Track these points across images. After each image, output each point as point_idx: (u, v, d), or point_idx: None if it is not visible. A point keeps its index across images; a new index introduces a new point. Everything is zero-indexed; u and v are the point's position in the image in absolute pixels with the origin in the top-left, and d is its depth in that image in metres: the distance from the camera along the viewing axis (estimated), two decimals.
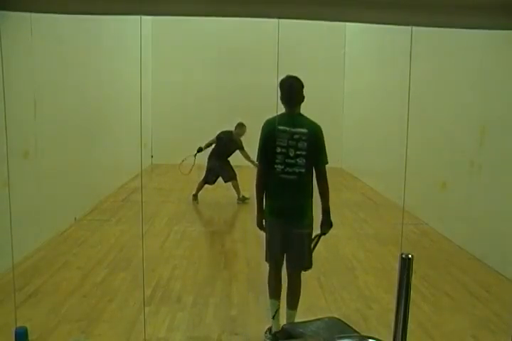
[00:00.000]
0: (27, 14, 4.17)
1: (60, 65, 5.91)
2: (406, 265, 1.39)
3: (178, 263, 4.98)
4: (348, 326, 2.30)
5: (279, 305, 3.39)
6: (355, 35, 11.03)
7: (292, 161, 3.17)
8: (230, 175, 7.83)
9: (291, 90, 3.20)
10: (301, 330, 2.24)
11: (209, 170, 7.95)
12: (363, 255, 5.39)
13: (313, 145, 3.19)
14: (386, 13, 1.61)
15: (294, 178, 3.19)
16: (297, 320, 3.58)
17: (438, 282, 4.57)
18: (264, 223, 3.37)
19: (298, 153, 3.17)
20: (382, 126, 8.92)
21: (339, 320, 2.41)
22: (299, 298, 3.42)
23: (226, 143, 7.85)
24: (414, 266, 1.39)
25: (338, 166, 11.47)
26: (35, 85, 5.14)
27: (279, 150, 3.17)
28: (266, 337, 3.46)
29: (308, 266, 3.44)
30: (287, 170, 3.19)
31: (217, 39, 11.50)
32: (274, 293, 3.41)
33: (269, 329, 3.47)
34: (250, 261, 5.06)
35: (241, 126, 7.84)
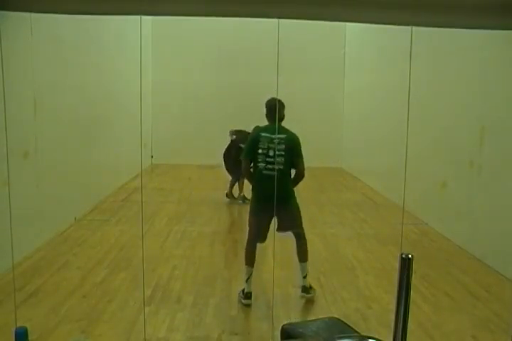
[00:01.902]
0: (27, 14, 4.17)
1: (60, 65, 5.91)
2: (406, 265, 1.39)
3: (178, 263, 4.98)
4: (348, 326, 2.30)
5: (252, 271, 4.13)
6: (355, 35, 11.03)
7: (271, 160, 3.95)
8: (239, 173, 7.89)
9: (274, 110, 3.93)
10: (301, 330, 2.23)
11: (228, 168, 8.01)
12: (363, 255, 5.39)
13: (290, 148, 3.97)
14: (386, 13, 1.60)
15: (274, 174, 3.89)
16: (297, 320, 3.59)
17: (438, 282, 4.57)
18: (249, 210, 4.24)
19: (278, 153, 3.93)
20: (382, 126, 8.92)
21: (339, 320, 2.41)
22: (307, 252, 4.18)
23: (239, 143, 7.92)
24: (414, 266, 1.39)
25: (338, 166, 11.48)
26: (35, 85, 5.14)
27: (260, 151, 3.98)
28: (239, 296, 4.11)
29: (302, 230, 4.21)
30: (268, 167, 3.96)
31: (217, 39, 11.50)
32: (250, 260, 4.16)
33: (243, 290, 4.10)
34: None
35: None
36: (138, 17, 1.69)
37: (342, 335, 2.07)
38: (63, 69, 6.01)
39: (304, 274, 4.15)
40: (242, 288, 4.13)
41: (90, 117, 7.05)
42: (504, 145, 4.89)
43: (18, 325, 2.20)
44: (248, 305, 4.02)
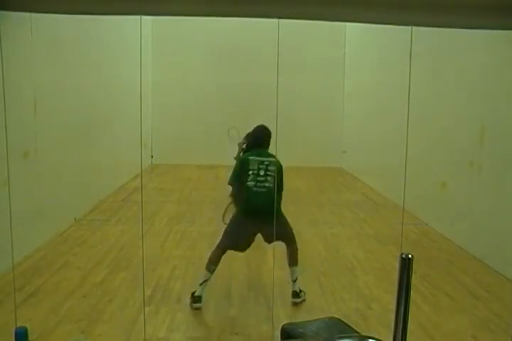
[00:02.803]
0: (27, 14, 4.17)
1: (60, 65, 5.91)
2: (406, 265, 1.39)
3: (178, 263, 4.98)
4: (348, 326, 2.30)
5: (210, 277, 4.10)
6: (355, 35, 11.04)
7: (262, 179, 4.10)
8: None
9: (261, 137, 4.26)
10: (301, 330, 2.23)
11: None
12: (363, 255, 5.39)
13: (278, 172, 4.13)
14: (386, 13, 1.60)
15: (263, 190, 4.07)
16: (297, 320, 3.59)
17: (438, 282, 4.57)
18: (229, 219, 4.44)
19: (267, 173, 4.11)
20: (382, 126, 8.92)
21: (339, 320, 2.41)
22: (297, 256, 4.17)
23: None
24: (414, 266, 1.39)
25: (338, 166, 11.48)
26: (35, 85, 5.14)
27: (250, 172, 4.12)
28: (190, 300, 4.01)
29: (293, 238, 4.22)
30: (258, 185, 4.10)
31: (218, 39, 11.50)
32: (211, 267, 4.12)
33: (192, 293, 4.02)
34: (250, 262, 5.06)
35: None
36: (138, 17, 1.69)
37: (342, 335, 2.07)
38: (63, 69, 6.00)
39: (294, 278, 4.13)
40: (193, 291, 4.06)
41: (90, 117, 7.06)
42: (504, 145, 4.89)
43: (18, 325, 2.20)
44: (198, 309, 3.93)
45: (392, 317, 1.42)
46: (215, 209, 7.56)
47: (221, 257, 4.18)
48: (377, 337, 1.64)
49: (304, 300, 4.11)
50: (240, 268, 4.94)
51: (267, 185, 4.10)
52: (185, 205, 7.73)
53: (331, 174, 10.75)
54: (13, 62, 4.60)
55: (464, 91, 5.81)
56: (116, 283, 4.42)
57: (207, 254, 5.46)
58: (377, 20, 1.76)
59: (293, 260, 4.18)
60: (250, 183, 4.12)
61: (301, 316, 3.86)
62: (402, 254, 1.40)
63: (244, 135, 8.32)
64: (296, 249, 4.21)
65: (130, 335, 3.47)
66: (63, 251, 5.27)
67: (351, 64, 11.55)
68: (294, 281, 4.12)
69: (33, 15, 4.25)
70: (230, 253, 5.58)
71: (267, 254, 5.20)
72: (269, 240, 4.11)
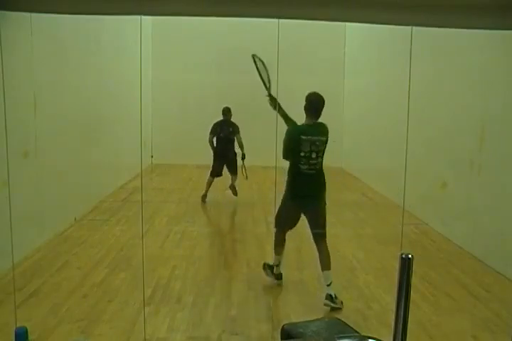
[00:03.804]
0: (27, 14, 4.17)
1: (60, 65, 5.91)
2: (406, 265, 1.39)
3: (178, 263, 4.98)
4: (348, 326, 2.30)
5: (280, 259, 4.42)
6: (355, 35, 11.03)
7: (314, 161, 4.10)
8: (235, 168, 7.82)
9: (318, 104, 4.10)
10: (301, 330, 2.23)
11: (215, 161, 7.88)
12: (363, 255, 5.39)
13: (325, 147, 4.14)
14: (386, 13, 1.61)
15: (313, 173, 4.12)
16: (297, 320, 3.59)
17: (438, 282, 4.57)
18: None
19: (319, 155, 4.10)
20: (382, 125, 8.91)
21: (339, 320, 2.41)
22: (329, 258, 4.16)
23: (225, 130, 7.80)
24: (414, 266, 1.39)
25: (338, 166, 11.47)
26: (35, 85, 5.14)
27: (302, 154, 4.05)
28: (267, 271, 4.48)
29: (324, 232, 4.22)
30: (310, 168, 4.10)
31: (218, 39, 11.49)
32: (279, 251, 4.38)
33: (272, 269, 4.46)
34: (250, 261, 5.06)
35: (229, 111, 7.89)
36: (138, 17, 1.69)
37: (342, 335, 2.07)
38: (63, 69, 6.00)
39: (328, 282, 4.05)
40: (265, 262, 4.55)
41: (90, 117, 7.05)
42: (504, 145, 4.89)
43: (18, 325, 2.20)
44: (279, 285, 4.45)
45: (392, 317, 1.42)
46: (215, 209, 7.57)
47: (284, 238, 4.36)
48: (377, 337, 1.64)
49: (340, 308, 3.95)
50: (239, 268, 4.94)
51: (318, 167, 4.13)
52: (185, 205, 7.72)
53: (331, 174, 10.73)
54: (13, 62, 4.60)
55: (463, 92, 5.81)
56: (116, 283, 4.42)
57: (207, 254, 5.48)
58: (377, 20, 1.76)
59: (324, 264, 4.14)
60: (303, 167, 4.09)
61: (301, 316, 3.86)
62: (402, 254, 1.40)
63: (215, 122, 8.05)
64: (327, 249, 4.19)
65: (130, 335, 3.47)
66: (63, 251, 5.26)
67: (351, 64, 11.55)
68: (329, 285, 4.05)
69: (33, 15, 4.25)
70: (229, 252, 5.58)
71: (267, 254, 5.20)
72: (313, 223, 4.19)
